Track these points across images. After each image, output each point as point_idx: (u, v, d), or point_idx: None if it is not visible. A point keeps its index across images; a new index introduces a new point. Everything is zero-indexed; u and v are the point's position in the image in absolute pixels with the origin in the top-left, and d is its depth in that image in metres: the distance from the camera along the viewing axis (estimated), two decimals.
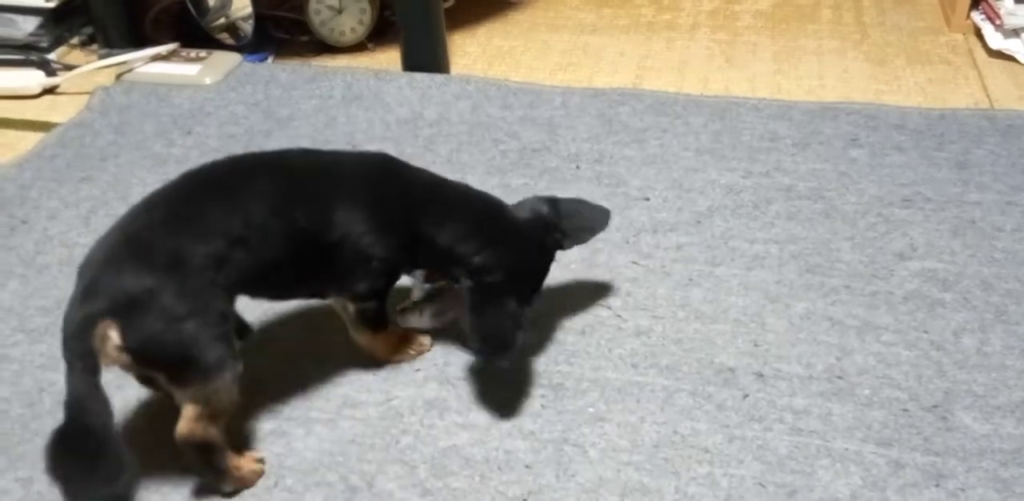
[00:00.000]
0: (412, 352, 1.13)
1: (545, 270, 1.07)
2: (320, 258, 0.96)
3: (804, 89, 1.73)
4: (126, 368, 0.90)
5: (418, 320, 1.12)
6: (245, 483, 0.99)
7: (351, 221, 0.96)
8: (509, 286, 1.00)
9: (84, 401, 0.85)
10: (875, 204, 1.39)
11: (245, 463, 0.99)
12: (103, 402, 0.86)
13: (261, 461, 1.01)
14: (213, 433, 0.93)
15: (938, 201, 1.39)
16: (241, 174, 0.97)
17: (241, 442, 1.03)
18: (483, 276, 0.99)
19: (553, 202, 1.07)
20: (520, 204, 1.08)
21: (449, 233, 1.00)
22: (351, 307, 1.05)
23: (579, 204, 1.11)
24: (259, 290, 0.99)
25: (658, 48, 1.90)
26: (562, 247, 1.08)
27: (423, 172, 1.06)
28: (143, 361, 0.88)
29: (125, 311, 0.85)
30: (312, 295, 1.06)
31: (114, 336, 0.85)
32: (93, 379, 0.85)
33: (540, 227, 1.05)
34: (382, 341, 1.11)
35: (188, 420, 0.92)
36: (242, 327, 1.03)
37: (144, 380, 1.00)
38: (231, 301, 0.93)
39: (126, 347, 0.85)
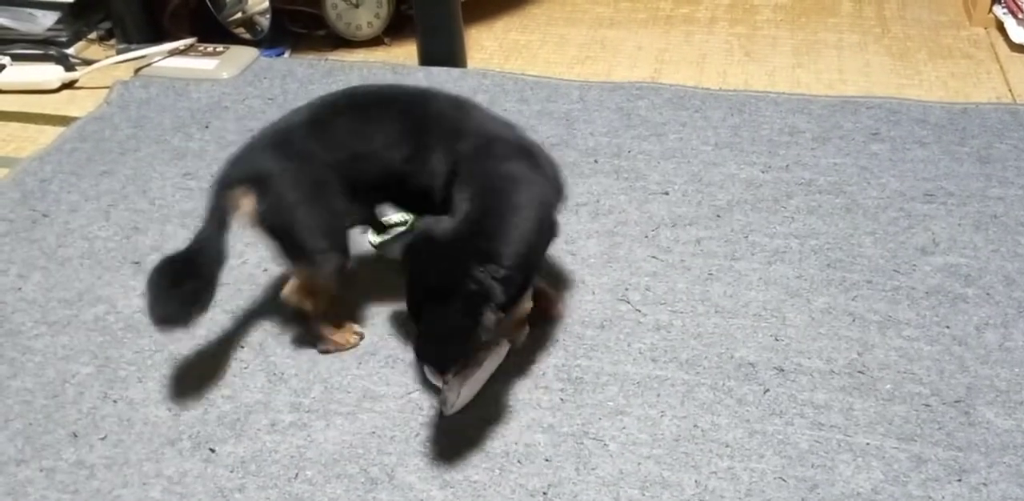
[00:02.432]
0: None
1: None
2: (414, 189, 1.08)
3: (824, 83, 1.72)
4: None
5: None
6: (338, 345, 1.15)
7: (441, 173, 1.05)
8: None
9: (203, 243, 1.04)
10: (897, 199, 1.38)
11: (338, 332, 1.15)
12: (218, 250, 1.04)
13: (359, 334, 1.16)
14: (307, 305, 1.12)
15: (960, 196, 1.38)
16: (386, 103, 1.11)
17: (349, 315, 1.19)
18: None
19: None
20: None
21: (497, 251, 0.97)
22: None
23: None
24: (375, 199, 1.14)
25: (676, 42, 1.89)
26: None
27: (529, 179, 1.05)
28: (263, 228, 1.06)
29: (257, 182, 1.04)
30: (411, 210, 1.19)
31: (248, 201, 1.04)
32: (219, 231, 1.04)
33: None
34: None
35: (289, 288, 1.13)
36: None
37: None
38: (355, 204, 1.08)
39: (255, 212, 1.04)
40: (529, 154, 1.06)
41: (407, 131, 1.07)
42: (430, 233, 0.97)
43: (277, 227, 1.05)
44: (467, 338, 0.93)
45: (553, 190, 1.05)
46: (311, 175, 1.05)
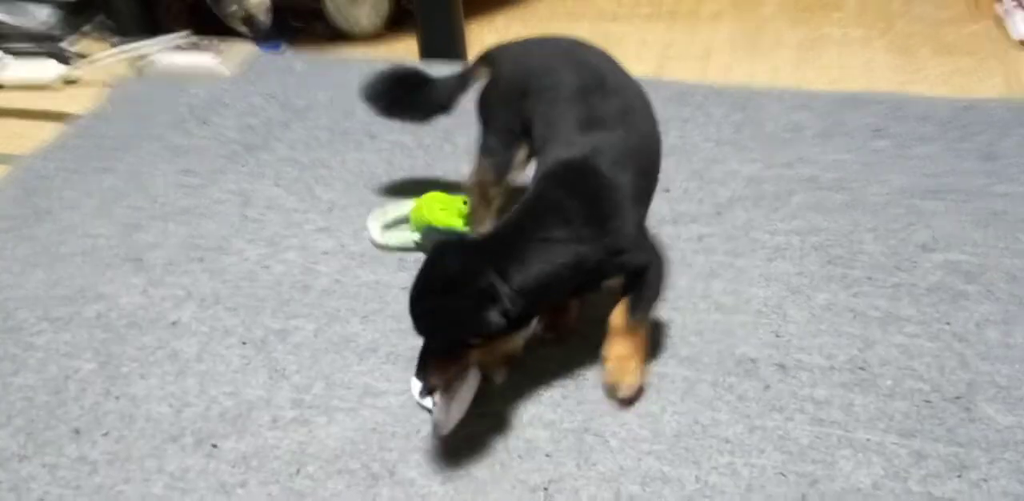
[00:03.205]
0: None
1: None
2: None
3: (827, 79, 1.71)
4: None
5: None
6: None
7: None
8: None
9: (441, 85, 1.28)
10: (899, 195, 1.38)
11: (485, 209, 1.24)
12: (447, 95, 1.28)
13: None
14: (473, 182, 1.25)
15: (964, 192, 1.38)
16: (590, 70, 1.12)
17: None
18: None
19: None
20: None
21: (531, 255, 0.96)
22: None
23: None
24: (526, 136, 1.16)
25: (680, 37, 1.89)
26: None
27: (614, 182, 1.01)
28: (477, 105, 1.23)
29: (491, 65, 1.22)
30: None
31: (483, 78, 1.23)
32: (458, 84, 1.27)
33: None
34: None
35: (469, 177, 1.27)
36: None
37: None
38: (521, 131, 1.14)
39: (481, 88, 1.22)
40: (599, 204, 0.97)
41: (572, 99, 1.06)
42: (459, 239, 0.98)
43: (479, 109, 1.21)
44: (471, 323, 0.91)
45: (596, 251, 0.97)
46: (504, 91, 1.16)
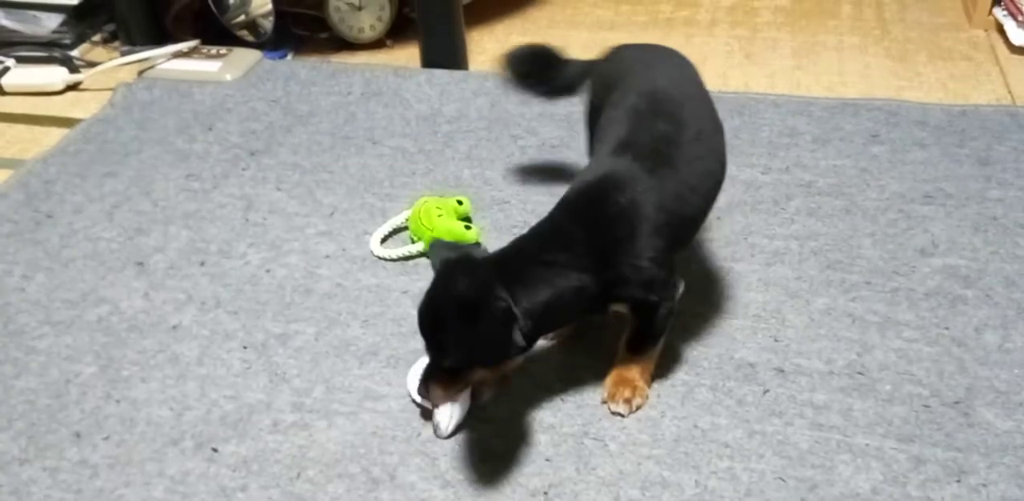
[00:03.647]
0: None
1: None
2: None
3: (824, 85, 1.72)
4: None
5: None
6: None
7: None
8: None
9: (568, 70, 1.27)
10: (896, 200, 1.39)
11: None
12: (571, 79, 1.26)
13: None
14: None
15: (960, 197, 1.39)
16: (647, 85, 1.10)
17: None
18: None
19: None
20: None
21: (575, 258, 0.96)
22: None
23: None
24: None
25: (677, 44, 1.87)
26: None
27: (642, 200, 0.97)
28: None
29: (594, 70, 1.23)
30: None
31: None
32: (578, 73, 1.26)
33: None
34: None
35: None
36: None
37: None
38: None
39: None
40: (605, 234, 0.95)
41: (621, 119, 1.04)
42: (465, 258, 0.95)
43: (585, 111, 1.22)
44: (499, 348, 0.91)
45: (596, 280, 0.94)
46: (603, 92, 1.14)
